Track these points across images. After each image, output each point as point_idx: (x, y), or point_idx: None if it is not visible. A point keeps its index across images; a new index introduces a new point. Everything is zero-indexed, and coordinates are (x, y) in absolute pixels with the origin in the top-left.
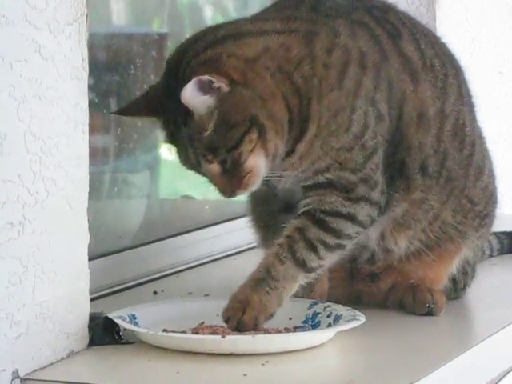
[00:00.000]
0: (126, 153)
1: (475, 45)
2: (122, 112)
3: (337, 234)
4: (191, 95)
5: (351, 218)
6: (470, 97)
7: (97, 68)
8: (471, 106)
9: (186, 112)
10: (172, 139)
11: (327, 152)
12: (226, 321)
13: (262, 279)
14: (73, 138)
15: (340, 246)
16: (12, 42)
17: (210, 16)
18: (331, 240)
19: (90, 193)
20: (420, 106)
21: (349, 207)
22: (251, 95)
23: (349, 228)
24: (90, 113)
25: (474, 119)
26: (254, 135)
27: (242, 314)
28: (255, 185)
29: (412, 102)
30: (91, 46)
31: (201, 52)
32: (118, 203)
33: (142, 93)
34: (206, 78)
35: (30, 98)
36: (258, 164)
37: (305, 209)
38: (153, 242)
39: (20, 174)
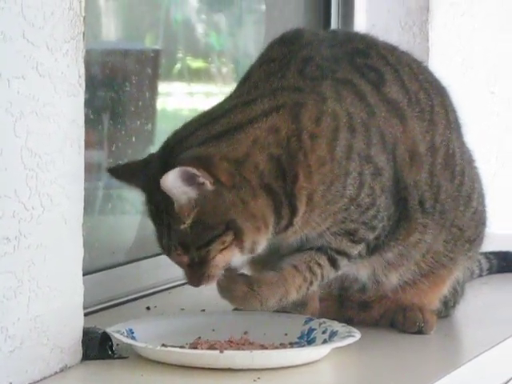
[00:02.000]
0: None
1: (467, 64)
2: (114, 173)
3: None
4: (173, 183)
5: (348, 255)
6: (456, 120)
7: (92, 84)
8: (459, 129)
9: (170, 201)
10: (152, 217)
11: (326, 218)
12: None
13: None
14: (69, 154)
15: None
16: (10, 59)
17: (203, 33)
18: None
19: (84, 208)
20: (411, 146)
21: (351, 247)
22: (234, 199)
23: (344, 260)
24: (85, 129)
25: (462, 144)
26: (228, 237)
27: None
28: (217, 278)
29: (404, 144)
30: (86, 63)
31: (194, 146)
32: (111, 219)
33: (139, 160)
34: (192, 170)
35: (27, 114)
36: (226, 260)
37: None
38: (146, 257)
39: (16, 189)
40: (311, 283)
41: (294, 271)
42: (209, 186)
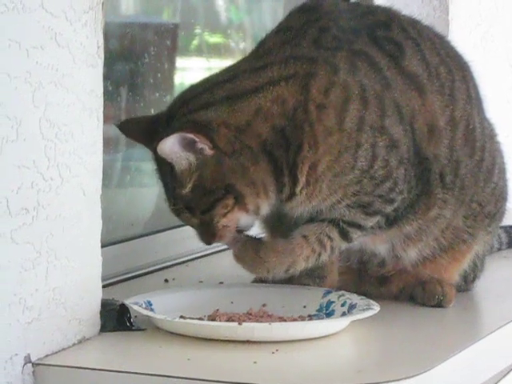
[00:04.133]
0: None
1: (487, 38)
2: (123, 129)
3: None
4: (171, 149)
5: (361, 228)
6: (478, 95)
7: (111, 57)
8: (480, 104)
9: (171, 165)
10: (159, 176)
11: (336, 190)
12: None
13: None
14: (87, 125)
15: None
16: (29, 29)
17: (222, 7)
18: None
19: (102, 181)
20: (430, 119)
21: (365, 219)
22: (233, 164)
23: (357, 232)
24: (103, 101)
25: (483, 119)
26: (229, 201)
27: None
28: (229, 238)
29: (422, 117)
30: (106, 35)
31: (196, 110)
32: (130, 191)
33: (149, 117)
34: (190, 136)
35: (46, 84)
36: (233, 222)
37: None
38: (164, 230)
39: (35, 159)
40: (320, 255)
41: (303, 241)
42: (208, 151)
